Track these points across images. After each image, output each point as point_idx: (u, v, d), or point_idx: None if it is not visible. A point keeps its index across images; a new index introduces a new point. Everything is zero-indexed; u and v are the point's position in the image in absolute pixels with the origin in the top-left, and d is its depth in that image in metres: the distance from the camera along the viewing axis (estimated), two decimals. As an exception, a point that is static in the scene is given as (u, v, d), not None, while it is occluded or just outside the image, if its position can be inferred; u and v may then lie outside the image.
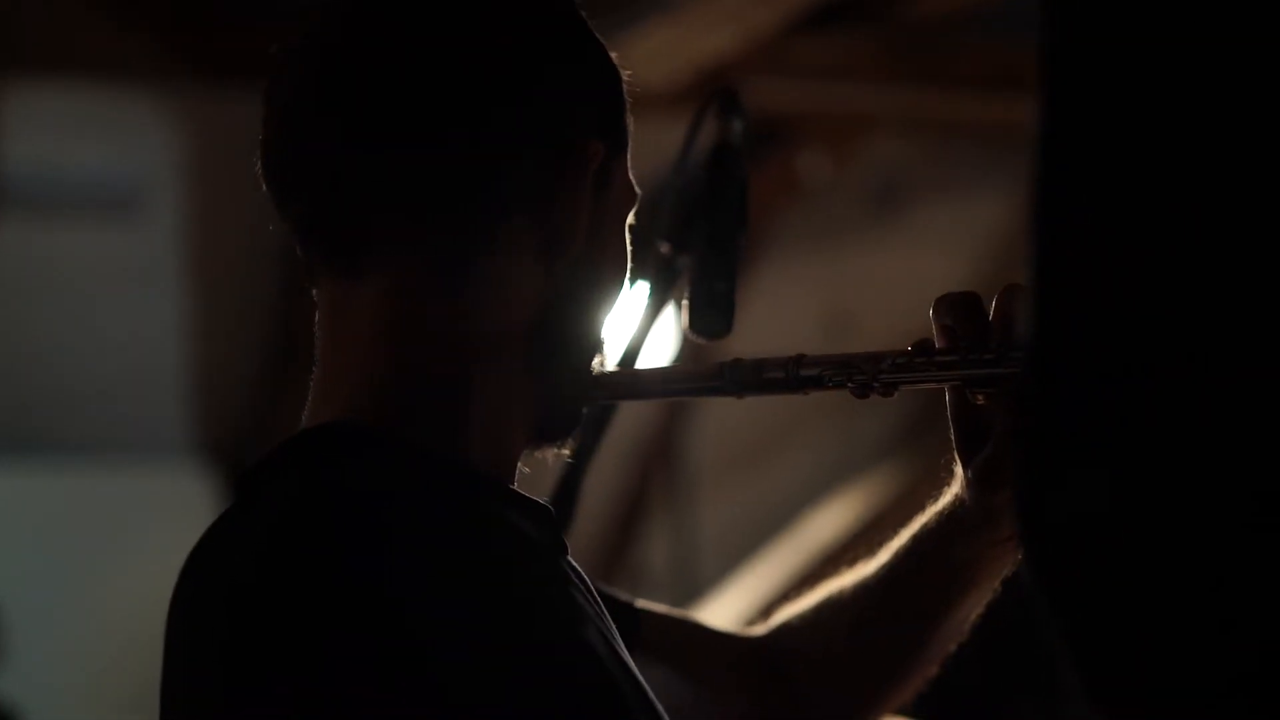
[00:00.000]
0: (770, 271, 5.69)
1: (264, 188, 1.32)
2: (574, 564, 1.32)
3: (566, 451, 1.39)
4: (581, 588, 1.29)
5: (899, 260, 6.19)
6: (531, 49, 1.31)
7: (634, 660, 1.54)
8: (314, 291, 1.33)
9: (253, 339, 6.12)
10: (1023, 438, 0.77)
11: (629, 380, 1.46)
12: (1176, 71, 0.73)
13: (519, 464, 1.33)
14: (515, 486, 1.32)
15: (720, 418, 6.28)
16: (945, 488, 1.44)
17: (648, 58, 4.30)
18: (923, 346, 1.33)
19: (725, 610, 5.73)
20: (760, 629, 1.64)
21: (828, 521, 6.56)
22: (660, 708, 1.25)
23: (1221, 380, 0.72)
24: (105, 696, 5.92)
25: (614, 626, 1.30)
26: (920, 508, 1.52)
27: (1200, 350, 0.72)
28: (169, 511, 6.11)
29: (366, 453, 1.24)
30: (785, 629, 1.62)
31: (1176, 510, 0.73)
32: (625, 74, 1.37)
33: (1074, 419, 0.75)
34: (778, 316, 5.47)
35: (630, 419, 6.64)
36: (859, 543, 1.62)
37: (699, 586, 5.98)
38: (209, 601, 1.21)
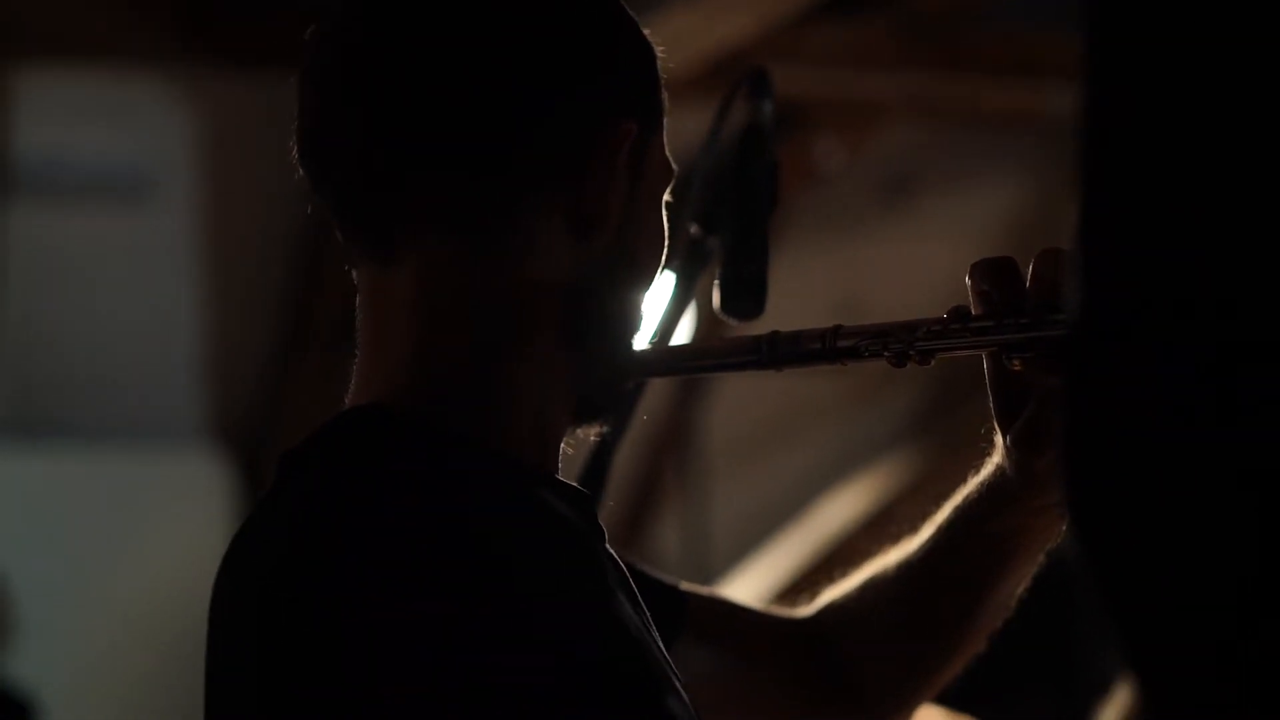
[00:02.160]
0: (783, 258, 5.67)
1: (299, 172, 1.32)
2: (611, 550, 1.32)
3: (603, 430, 1.38)
4: (618, 574, 1.28)
5: (912, 247, 6.19)
6: (563, 28, 1.30)
7: (680, 643, 1.54)
8: (354, 275, 1.33)
9: (264, 323, 6.12)
10: (1068, 403, 0.76)
11: (666, 357, 1.45)
12: (1223, 37, 0.73)
13: (563, 444, 1.33)
14: (559, 467, 1.32)
15: (733, 404, 6.29)
16: (986, 458, 1.43)
17: (664, 44, 4.27)
18: (959, 313, 1.32)
19: (738, 596, 5.73)
20: (806, 610, 1.63)
21: (840, 508, 6.56)
22: (688, 700, 1.25)
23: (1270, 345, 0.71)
24: (118, 680, 5.93)
25: (648, 616, 1.30)
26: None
27: (1250, 313, 0.71)
28: (181, 496, 6.12)
29: (398, 437, 1.24)
30: (830, 609, 1.61)
31: (1227, 483, 0.72)
32: (660, 51, 1.36)
33: (1122, 385, 0.74)
34: (790, 303, 5.45)
35: (644, 404, 6.58)
36: (889, 529, 1.61)
37: (711, 572, 5.98)
38: (243, 588, 1.22)
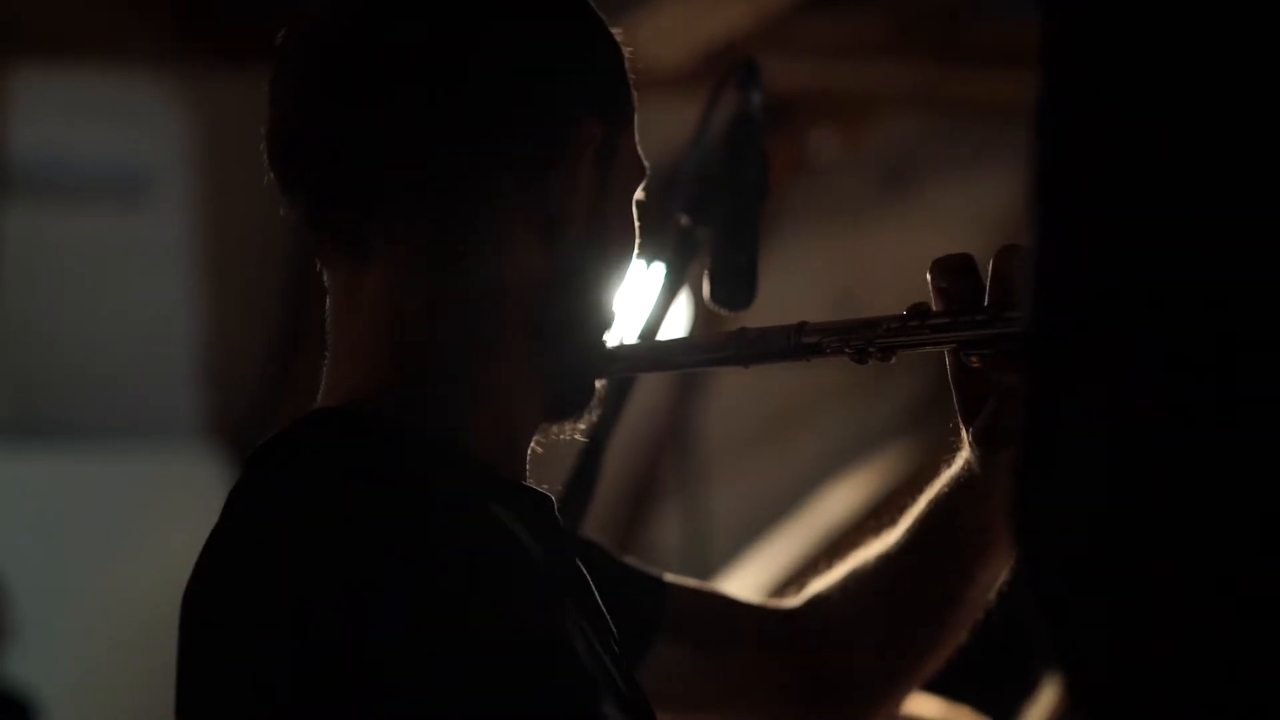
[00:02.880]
0: (779, 250, 5.68)
1: (269, 174, 1.33)
2: (571, 554, 1.33)
3: (581, 428, 1.38)
4: (572, 580, 1.29)
5: (907, 239, 6.18)
6: (529, 30, 1.32)
7: (661, 636, 1.55)
8: (324, 277, 1.34)
9: (262, 323, 6.12)
10: (1023, 405, 0.76)
11: (637, 353, 1.46)
12: (1181, 26, 0.73)
13: (531, 444, 1.34)
14: (526, 468, 1.33)
15: (732, 398, 6.29)
16: (956, 453, 1.45)
17: (657, 36, 4.30)
18: (918, 310, 1.33)
19: (737, 590, 5.73)
20: (792, 601, 1.64)
21: (839, 501, 6.56)
22: (642, 706, 1.26)
23: (1232, 358, 0.70)
24: (117, 679, 5.93)
25: (606, 620, 1.31)
26: (930, 485, 1.52)
27: (1209, 328, 0.71)
28: (180, 496, 6.12)
29: (356, 439, 1.25)
30: (815, 601, 1.62)
31: (1176, 510, 0.71)
32: (628, 50, 1.37)
33: (1074, 386, 0.74)
34: (786, 295, 5.44)
35: (642, 399, 6.62)
36: (870, 522, 1.62)
37: (711, 566, 5.98)
38: (202, 584, 1.24)
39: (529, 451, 1.34)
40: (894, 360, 1.33)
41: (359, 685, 1.09)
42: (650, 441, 6.33)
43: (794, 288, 5.34)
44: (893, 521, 1.56)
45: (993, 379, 1.35)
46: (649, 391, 6.37)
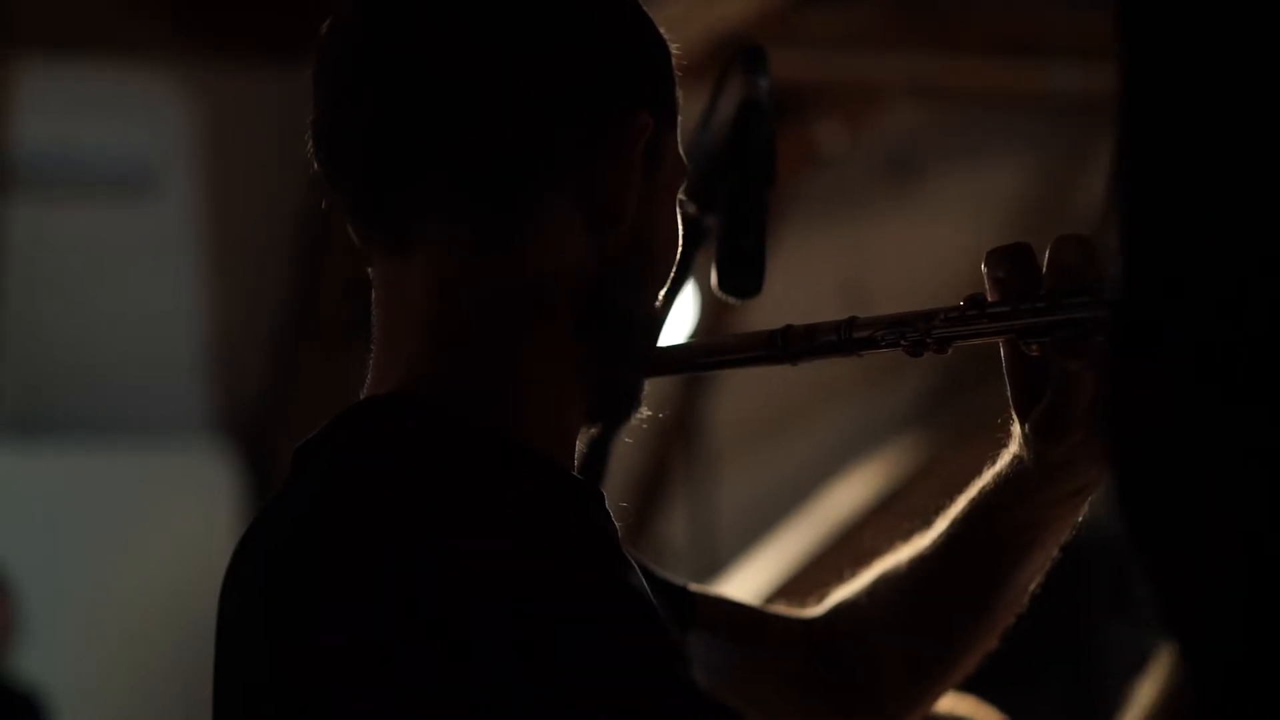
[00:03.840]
0: (787, 241, 5.67)
1: (314, 166, 1.31)
2: (625, 547, 1.30)
3: (628, 430, 1.36)
4: (632, 569, 1.27)
5: (915, 229, 6.18)
6: (577, 17, 1.29)
7: (690, 642, 1.53)
8: (369, 270, 1.32)
9: (268, 317, 6.12)
10: (1111, 384, 0.75)
11: (680, 354, 1.43)
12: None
13: (578, 442, 1.31)
14: (574, 462, 1.30)
15: (738, 393, 6.28)
16: (1002, 449, 1.41)
17: (662, 28, 4.27)
18: (975, 300, 1.30)
19: (745, 584, 5.72)
20: (815, 610, 1.61)
21: (846, 495, 6.55)
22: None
23: None
24: (125, 675, 5.93)
25: (664, 614, 1.28)
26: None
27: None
28: (186, 491, 6.12)
29: (411, 425, 1.22)
30: (841, 608, 1.58)
31: (1271, 462, 0.70)
32: (674, 48, 1.35)
33: (1162, 366, 0.72)
34: (794, 286, 5.45)
35: (648, 393, 6.59)
36: (881, 516, 1.59)
37: (719, 561, 5.98)
38: (251, 577, 1.21)
39: (576, 451, 1.31)
40: (950, 351, 1.30)
41: (483, 679, 1.06)
42: (657, 437, 6.31)
43: (801, 278, 5.33)
44: (925, 523, 1.53)
45: (1053, 368, 1.32)
46: (656, 385, 6.32)
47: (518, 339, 1.26)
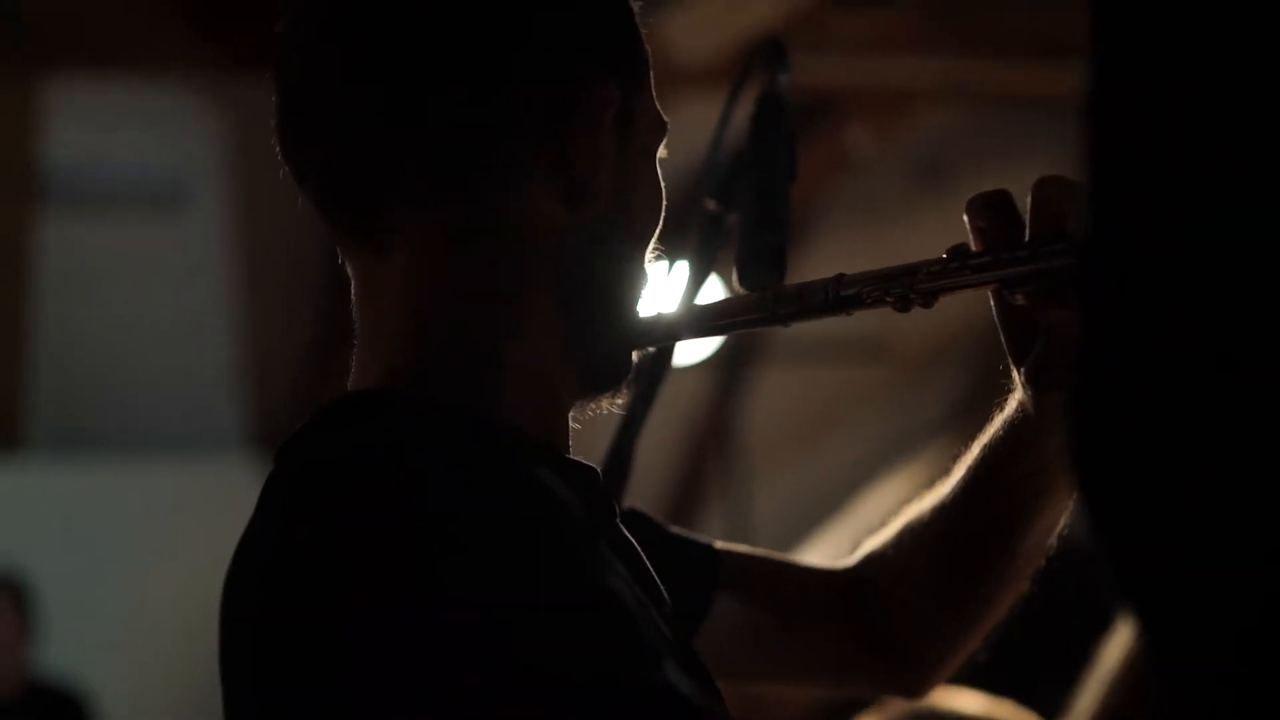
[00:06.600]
0: (818, 247, 5.67)
1: (283, 167, 1.30)
2: (623, 528, 1.30)
3: (619, 401, 1.35)
4: (622, 549, 1.26)
5: (946, 233, 6.14)
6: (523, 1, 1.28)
7: (716, 600, 1.52)
8: (347, 268, 1.31)
9: (300, 329, 6.12)
10: (1079, 340, 0.74)
11: (673, 321, 1.42)
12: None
13: (570, 420, 1.31)
14: (569, 441, 1.30)
15: (774, 398, 6.27)
16: (1009, 394, 1.41)
17: (687, 33, 4.28)
18: (958, 251, 1.30)
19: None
20: (846, 561, 1.61)
21: (882, 500, 6.53)
22: (702, 670, 1.23)
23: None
24: (160, 690, 5.94)
25: (659, 589, 1.28)
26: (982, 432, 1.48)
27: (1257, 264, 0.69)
28: (219, 503, 6.11)
29: (391, 414, 1.22)
30: (870, 559, 1.58)
31: (1240, 428, 0.69)
32: (635, 3, 1.33)
33: (1129, 321, 0.72)
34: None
35: (683, 399, 6.66)
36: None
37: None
38: (242, 573, 1.21)
39: (570, 425, 1.31)
40: (934, 305, 1.30)
41: (441, 666, 1.07)
42: (693, 442, 6.31)
43: (832, 284, 5.33)
44: (945, 471, 1.52)
45: (1040, 316, 1.31)
46: (691, 391, 6.36)
47: (500, 324, 1.26)
